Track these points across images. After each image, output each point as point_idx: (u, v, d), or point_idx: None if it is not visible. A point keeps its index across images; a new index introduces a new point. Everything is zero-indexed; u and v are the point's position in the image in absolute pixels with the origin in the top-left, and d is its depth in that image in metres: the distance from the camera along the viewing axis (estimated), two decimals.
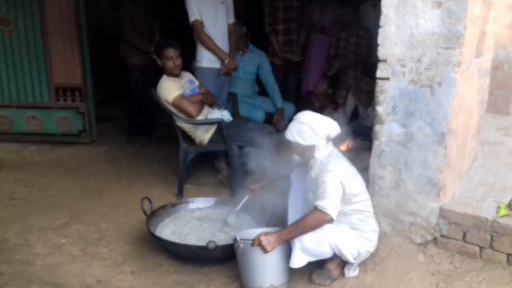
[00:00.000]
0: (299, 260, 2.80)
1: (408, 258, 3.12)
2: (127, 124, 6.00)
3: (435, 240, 3.15)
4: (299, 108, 5.24)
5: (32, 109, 5.64)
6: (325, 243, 2.81)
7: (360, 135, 4.27)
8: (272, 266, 2.80)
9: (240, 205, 3.35)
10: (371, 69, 4.83)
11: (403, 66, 3.00)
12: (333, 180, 2.79)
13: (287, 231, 2.75)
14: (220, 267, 3.16)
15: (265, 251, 2.72)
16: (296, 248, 2.78)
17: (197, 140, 4.21)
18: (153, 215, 3.44)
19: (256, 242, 2.73)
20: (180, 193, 4.22)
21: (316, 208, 2.72)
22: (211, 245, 2.87)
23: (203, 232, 3.33)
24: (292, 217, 3.23)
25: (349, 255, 2.89)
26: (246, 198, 3.38)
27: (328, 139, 2.94)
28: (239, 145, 4.12)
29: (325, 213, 2.69)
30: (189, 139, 4.26)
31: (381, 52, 3.05)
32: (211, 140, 4.17)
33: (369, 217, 2.98)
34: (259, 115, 4.85)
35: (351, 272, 2.99)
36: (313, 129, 2.86)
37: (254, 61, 5.07)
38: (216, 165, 4.46)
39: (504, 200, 3.12)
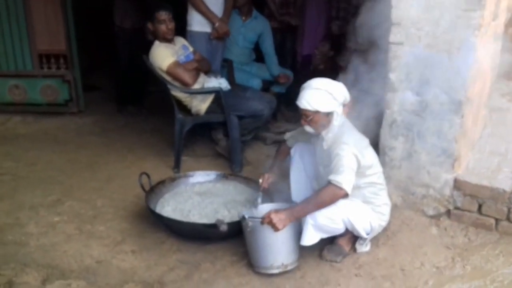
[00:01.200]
0: (311, 237, 2.67)
1: (420, 231, 3.02)
2: (116, 92, 5.75)
3: (448, 212, 3.04)
4: (295, 74, 5.08)
5: (14, 77, 5.35)
6: (338, 219, 2.68)
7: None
8: (282, 245, 2.67)
9: (259, 201, 3.06)
10: None
11: (418, 29, 2.81)
12: (347, 153, 2.64)
13: (299, 208, 2.61)
14: (224, 244, 3.02)
15: (276, 229, 2.58)
16: (308, 225, 2.65)
17: (194, 110, 4.01)
18: (152, 191, 3.27)
19: (266, 220, 2.58)
20: (176, 166, 4.05)
21: (330, 183, 2.57)
22: (223, 228, 2.71)
23: (206, 208, 3.17)
24: (296, 194, 3.10)
25: (362, 230, 2.78)
26: (260, 195, 3.10)
27: (344, 104, 2.79)
28: (238, 115, 3.93)
29: (340, 188, 2.54)
30: (185, 109, 4.06)
31: (395, 15, 2.85)
32: (209, 110, 3.97)
33: (382, 190, 2.86)
34: (256, 83, 4.64)
35: (363, 248, 2.88)
36: (332, 94, 2.70)
37: (257, 28, 4.82)
38: (213, 136, 4.27)
39: None
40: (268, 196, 3.15)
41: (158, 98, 5.58)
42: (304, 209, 2.60)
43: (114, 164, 4.32)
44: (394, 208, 3.06)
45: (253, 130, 4.15)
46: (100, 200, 3.68)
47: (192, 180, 3.50)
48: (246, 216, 2.66)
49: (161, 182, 3.39)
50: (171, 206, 3.19)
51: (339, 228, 2.73)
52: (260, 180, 3.11)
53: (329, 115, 2.75)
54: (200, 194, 3.34)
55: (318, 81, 2.76)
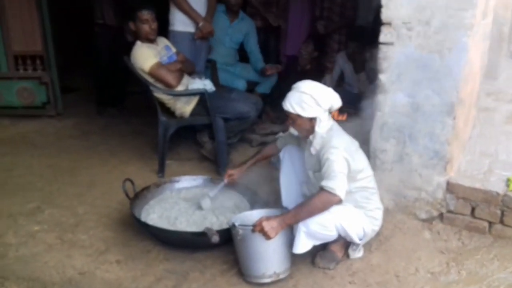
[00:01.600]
0: (303, 245, 2.59)
1: (413, 235, 2.97)
2: (95, 94, 5.59)
3: (441, 215, 3.00)
4: (279, 74, 5.00)
5: None
6: (331, 225, 2.60)
7: (346, 103, 4.04)
8: (274, 253, 2.58)
9: (216, 191, 3.13)
10: (358, 33, 4.62)
11: (409, 29, 2.75)
12: (338, 158, 2.56)
13: (291, 215, 2.52)
14: (213, 252, 2.91)
15: (267, 237, 2.49)
16: (300, 233, 2.56)
17: (178, 112, 3.89)
18: (137, 198, 3.15)
19: (258, 228, 2.49)
20: (161, 170, 3.93)
21: (322, 189, 2.49)
22: (215, 239, 2.60)
23: (193, 215, 3.06)
24: (286, 199, 3.02)
25: (355, 236, 2.70)
26: (222, 183, 3.16)
27: (330, 111, 2.70)
28: (223, 117, 3.83)
29: (333, 194, 2.46)
30: (168, 111, 3.94)
31: (385, 14, 2.79)
32: (193, 113, 3.85)
33: (374, 194, 2.79)
34: (241, 84, 4.55)
35: (356, 253, 2.81)
36: (316, 99, 2.61)
37: (243, 29, 4.73)
38: (198, 139, 4.16)
39: (511, 172, 2.98)
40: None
41: (140, 99, 5.44)
42: (296, 216, 2.51)
43: (96, 168, 4.17)
44: (386, 212, 3.00)
45: (239, 132, 4.06)
46: (81, 207, 3.54)
47: (178, 185, 3.38)
48: (236, 224, 2.56)
49: (146, 188, 3.27)
50: (157, 213, 3.07)
51: (332, 235, 2.65)
52: (225, 175, 3.15)
53: (312, 120, 2.66)
54: (186, 200, 3.23)
55: (306, 84, 2.67)
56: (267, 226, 2.48)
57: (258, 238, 2.52)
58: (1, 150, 4.54)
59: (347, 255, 2.82)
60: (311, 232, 2.57)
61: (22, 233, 3.18)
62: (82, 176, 4.03)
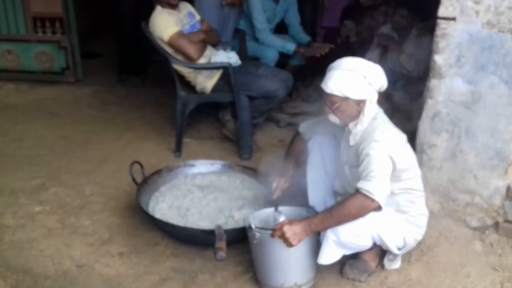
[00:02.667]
0: (331, 255, 2.16)
1: (462, 246, 2.49)
2: (117, 61, 5.17)
3: (496, 225, 2.51)
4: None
5: (6, 42, 4.79)
6: (366, 234, 2.16)
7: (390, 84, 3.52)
8: (296, 262, 2.16)
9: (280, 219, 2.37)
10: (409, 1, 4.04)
11: (477, 2, 2.21)
12: (380, 154, 2.10)
13: (319, 220, 2.08)
14: (227, 250, 2.51)
15: (289, 245, 2.06)
16: (328, 241, 2.13)
17: (198, 87, 3.45)
18: (145, 183, 2.75)
19: (278, 233, 2.07)
20: (178, 149, 3.52)
21: (358, 192, 2.03)
22: (221, 256, 2.12)
23: (207, 207, 2.65)
24: (313, 196, 2.56)
25: (393, 246, 2.25)
26: (279, 212, 2.41)
27: (379, 92, 2.23)
28: (248, 95, 3.37)
29: (371, 200, 2.00)
30: (188, 85, 3.50)
31: None
32: (215, 88, 3.40)
33: (419, 197, 2.32)
34: (272, 55, 3.98)
35: (393, 264, 2.36)
36: (367, 78, 2.15)
37: (285, 7, 4.21)
38: (220, 117, 3.72)
39: None
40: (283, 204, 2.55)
41: (164, 68, 4.99)
42: (324, 222, 2.07)
43: (110, 143, 3.80)
44: (431, 216, 2.51)
45: (266, 112, 3.59)
46: (89, 186, 3.18)
47: (193, 170, 2.96)
48: (253, 226, 2.14)
49: (157, 173, 2.87)
50: (166, 203, 2.67)
51: (366, 245, 2.21)
52: (274, 185, 2.50)
53: (360, 103, 2.20)
54: (201, 188, 2.81)
55: (352, 62, 2.19)
56: (289, 232, 2.05)
57: (278, 244, 2.10)
58: (15, 117, 4.22)
59: (381, 265, 2.38)
60: (342, 242, 2.13)
61: (21, 214, 2.85)
62: (94, 151, 3.67)
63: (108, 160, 3.53)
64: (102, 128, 4.07)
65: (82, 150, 3.68)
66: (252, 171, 2.94)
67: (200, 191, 2.78)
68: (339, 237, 2.11)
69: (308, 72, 4.35)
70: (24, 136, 3.87)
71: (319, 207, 2.55)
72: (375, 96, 2.22)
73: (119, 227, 2.77)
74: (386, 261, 2.37)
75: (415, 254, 2.44)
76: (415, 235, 2.32)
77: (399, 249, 2.29)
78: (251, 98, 3.38)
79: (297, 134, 2.75)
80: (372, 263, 2.34)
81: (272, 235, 2.08)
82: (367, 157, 2.10)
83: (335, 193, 2.51)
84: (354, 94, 2.17)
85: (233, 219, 2.55)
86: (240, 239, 2.38)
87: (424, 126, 2.51)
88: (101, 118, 4.29)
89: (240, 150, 3.47)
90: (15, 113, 4.32)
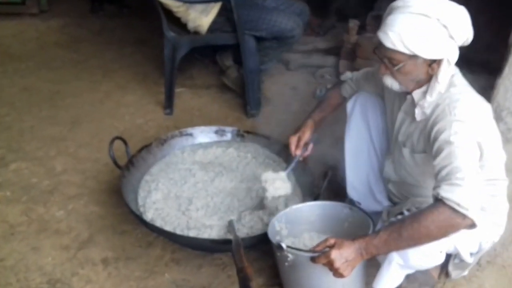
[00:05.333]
0: (393, 280, 1.55)
1: None
2: None
3: None
4: None
5: None
6: (443, 252, 1.53)
7: None
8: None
9: (288, 169, 1.92)
10: None
11: None
12: (467, 142, 1.42)
13: (381, 242, 1.41)
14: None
15: (338, 276, 1.43)
16: (392, 264, 1.50)
17: (191, 26, 2.63)
18: (132, 165, 2.06)
19: (323, 261, 1.42)
20: (168, 105, 2.80)
21: (442, 203, 1.36)
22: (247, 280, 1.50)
23: (214, 195, 1.98)
24: (352, 176, 1.94)
25: (466, 255, 1.64)
26: (295, 161, 1.93)
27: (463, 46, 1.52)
28: (256, 35, 2.58)
29: (463, 215, 1.34)
30: (179, 23, 2.68)
31: None
32: (213, 27, 2.59)
33: (502, 187, 1.66)
34: None
35: (460, 271, 1.76)
36: (448, 28, 1.43)
37: None
38: (219, 62, 2.94)
39: None
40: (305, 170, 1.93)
41: None
42: (389, 244, 1.41)
43: (84, 95, 3.05)
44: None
45: (276, 56, 2.82)
46: (60, 159, 2.49)
47: (192, 141, 2.26)
48: (284, 246, 1.48)
49: (146, 148, 2.15)
50: (161, 191, 1.99)
51: (439, 263, 1.59)
52: (292, 146, 1.91)
53: (433, 64, 1.49)
54: (204, 167, 2.12)
55: (424, 2, 1.44)
56: (339, 259, 1.40)
57: (319, 270, 1.47)
58: None
59: (446, 273, 1.78)
60: (410, 266, 1.51)
61: None
62: (65, 108, 2.93)
63: (82, 120, 2.80)
64: (74, 75, 3.29)
65: (50, 107, 2.93)
66: (267, 140, 2.25)
67: (203, 171, 2.10)
68: (408, 262, 1.48)
69: None
70: None
71: (360, 192, 1.93)
72: (456, 54, 1.50)
73: (101, 220, 2.11)
74: (451, 268, 1.76)
75: (486, 255, 1.84)
76: (493, 237, 1.70)
77: (472, 254, 1.69)
78: (259, 39, 2.60)
79: (336, 84, 2.06)
80: (435, 272, 1.74)
81: (315, 261, 1.44)
82: (447, 145, 1.42)
83: (385, 179, 1.86)
84: (427, 52, 1.45)
85: (249, 214, 1.89)
86: (259, 241, 1.76)
87: (505, 86, 1.80)
88: (72, 60, 3.49)
89: (246, 104, 2.74)
90: None
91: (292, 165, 1.91)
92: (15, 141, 2.61)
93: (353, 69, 2.88)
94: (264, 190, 1.84)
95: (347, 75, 1.98)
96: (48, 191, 2.27)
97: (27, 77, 3.26)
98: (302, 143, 1.91)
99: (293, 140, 1.91)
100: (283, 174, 1.88)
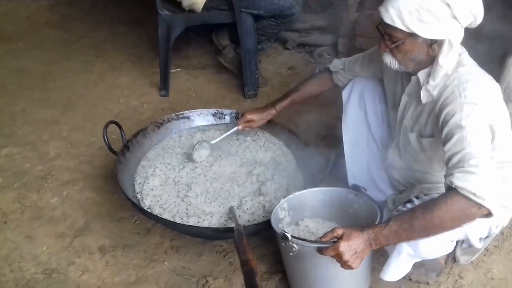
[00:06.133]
0: (402, 269, 1.47)
1: None
2: None
3: None
4: None
5: None
6: (454, 240, 1.46)
7: None
8: (350, 279, 1.48)
9: (219, 138, 1.99)
10: None
11: None
12: (480, 126, 1.33)
13: (391, 232, 1.31)
14: None
15: (347, 268, 1.35)
16: (402, 255, 1.43)
17: (186, 3, 2.49)
18: (127, 150, 1.96)
19: (332, 253, 1.33)
20: (164, 86, 2.68)
21: (456, 192, 1.27)
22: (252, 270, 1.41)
23: (214, 180, 1.89)
24: (352, 166, 1.87)
25: (476, 240, 1.57)
26: (234, 129, 2.00)
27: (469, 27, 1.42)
28: (253, 13, 2.46)
29: (478, 205, 1.26)
30: (173, 0, 2.55)
31: None
32: (209, 5, 2.46)
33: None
34: None
35: (468, 257, 1.69)
36: (451, 6, 1.33)
37: None
38: (215, 41, 2.82)
39: None
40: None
41: None
42: (400, 235, 1.32)
43: (77, 77, 2.94)
44: None
45: (275, 35, 2.70)
46: (53, 144, 2.39)
47: (189, 124, 2.15)
48: (289, 235, 1.40)
49: (142, 132, 2.05)
50: (158, 177, 1.89)
51: (449, 252, 1.52)
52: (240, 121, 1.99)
53: (433, 45, 1.39)
54: None
55: None
56: (348, 251, 1.31)
57: (325, 260, 1.39)
58: None
59: (453, 258, 1.71)
60: (421, 255, 1.44)
61: None
62: (57, 90, 2.82)
63: (76, 103, 2.69)
64: (66, 56, 3.16)
65: (42, 89, 2.82)
66: (266, 122, 2.14)
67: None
68: (419, 252, 1.40)
69: None
70: None
71: (361, 181, 1.84)
72: (461, 35, 1.40)
73: (97, 207, 2.02)
74: (459, 253, 1.69)
75: (494, 239, 1.77)
76: (503, 222, 1.63)
77: (481, 240, 1.62)
78: (256, 18, 2.48)
79: (324, 70, 1.96)
80: (442, 257, 1.67)
81: (322, 252, 1.36)
82: (458, 130, 1.33)
83: (389, 167, 1.77)
84: (426, 31, 1.35)
85: (250, 200, 1.81)
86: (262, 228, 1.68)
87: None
88: (63, 41, 3.36)
89: (242, 84, 2.64)
90: None
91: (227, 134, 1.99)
92: (7, 125, 2.51)
93: (353, 48, 2.79)
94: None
95: (336, 64, 1.87)
96: (41, 176, 2.18)
97: (18, 58, 3.13)
98: (247, 122, 1.98)
99: (246, 118, 1.97)
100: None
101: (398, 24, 1.37)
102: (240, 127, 1.99)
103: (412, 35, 1.38)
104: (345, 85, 1.86)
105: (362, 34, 2.74)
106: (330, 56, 2.93)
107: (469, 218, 1.28)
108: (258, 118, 1.98)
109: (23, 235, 1.90)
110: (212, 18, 2.55)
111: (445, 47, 1.39)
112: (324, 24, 3.12)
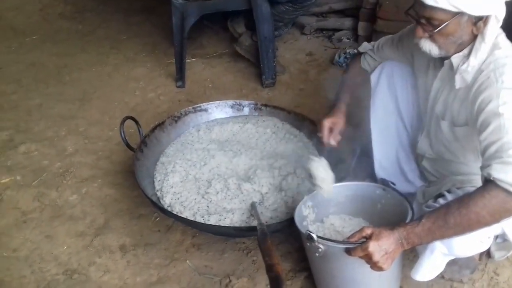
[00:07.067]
0: (434, 269, 1.38)
1: None
2: None
3: None
4: None
5: None
6: (489, 237, 1.36)
7: None
8: (380, 280, 1.39)
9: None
10: None
11: None
12: None
13: (424, 230, 1.22)
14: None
15: (377, 269, 1.26)
16: (435, 253, 1.33)
17: None
18: (145, 145, 1.88)
19: (360, 253, 1.24)
20: (180, 78, 2.59)
21: (493, 185, 1.16)
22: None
23: (234, 176, 1.81)
24: (380, 154, 1.75)
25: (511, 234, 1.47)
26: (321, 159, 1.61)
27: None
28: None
29: None
30: None
31: None
32: None
33: None
34: None
35: (503, 252, 1.59)
36: None
37: None
38: (230, 28, 2.70)
39: None
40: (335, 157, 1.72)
41: None
42: (434, 233, 1.23)
43: (92, 69, 2.87)
44: None
45: (292, 20, 2.58)
46: (70, 139, 2.32)
47: (207, 117, 2.06)
48: (315, 236, 1.31)
49: (159, 127, 1.97)
50: (179, 173, 1.81)
51: (485, 249, 1.42)
52: (324, 134, 1.66)
53: (478, 22, 1.27)
54: (221, 145, 1.94)
55: None
56: (378, 252, 1.22)
57: (353, 261, 1.30)
58: None
59: (487, 254, 1.61)
60: (455, 254, 1.34)
61: None
62: (72, 83, 2.75)
63: (91, 97, 2.62)
64: (80, 48, 3.09)
65: (58, 83, 2.75)
66: (286, 113, 2.05)
67: (221, 150, 1.91)
68: (453, 250, 1.31)
69: None
70: None
71: (389, 171, 1.74)
72: (504, 10, 1.28)
73: (117, 204, 1.96)
74: (494, 249, 1.59)
75: None
76: None
77: None
78: (273, 3, 2.36)
79: (355, 55, 1.84)
80: (477, 256, 1.57)
81: (350, 252, 1.27)
82: (495, 118, 1.21)
83: (419, 156, 1.66)
84: (474, 8, 1.23)
85: (272, 196, 1.72)
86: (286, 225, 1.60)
87: None
88: (77, 32, 3.29)
89: (259, 73, 2.53)
90: None
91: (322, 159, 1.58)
92: (23, 121, 2.45)
93: (373, 31, 2.65)
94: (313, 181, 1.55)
95: (366, 45, 1.75)
96: (60, 173, 2.12)
97: (32, 51, 3.07)
98: (336, 132, 1.66)
99: (325, 126, 1.65)
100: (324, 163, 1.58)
101: (442, 4, 1.23)
102: (332, 141, 1.65)
103: (458, 14, 1.25)
104: (373, 70, 1.74)
105: (383, 16, 2.59)
106: (349, 40, 2.80)
107: (509, 212, 1.18)
108: (337, 119, 1.67)
109: (43, 234, 1.84)
110: (227, 5, 2.45)
111: (492, 22, 1.27)
112: (342, 7, 2.97)
